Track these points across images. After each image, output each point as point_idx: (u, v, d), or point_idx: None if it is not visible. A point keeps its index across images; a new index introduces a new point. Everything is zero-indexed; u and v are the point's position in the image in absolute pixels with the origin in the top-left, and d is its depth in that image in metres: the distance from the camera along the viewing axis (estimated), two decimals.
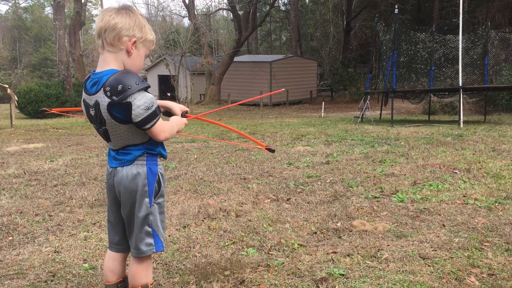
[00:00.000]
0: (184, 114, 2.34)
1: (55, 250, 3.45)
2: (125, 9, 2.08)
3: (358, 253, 3.23)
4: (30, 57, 52.86)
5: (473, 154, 6.92)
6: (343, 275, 2.90)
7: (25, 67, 51.16)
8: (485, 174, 5.53)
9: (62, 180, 5.85)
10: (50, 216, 4.30)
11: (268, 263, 3.12)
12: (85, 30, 48.05)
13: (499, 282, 2.74)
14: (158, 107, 2.08)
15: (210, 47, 38.53)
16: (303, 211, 4.29)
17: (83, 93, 2.14)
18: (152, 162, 2.19)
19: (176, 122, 2.25)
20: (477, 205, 4.32)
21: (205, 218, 4.14)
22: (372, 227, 3.80)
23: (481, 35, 14.16)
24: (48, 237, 3.73)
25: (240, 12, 31.14)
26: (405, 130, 10.93)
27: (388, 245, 3.37)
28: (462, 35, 13.08)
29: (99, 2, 54.20)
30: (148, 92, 2.04)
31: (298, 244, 3.45)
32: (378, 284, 2.76)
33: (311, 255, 3.25)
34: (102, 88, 1.99)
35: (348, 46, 35.81)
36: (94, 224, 4.05)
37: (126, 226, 2.23)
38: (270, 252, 3.32)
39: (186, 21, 42.68)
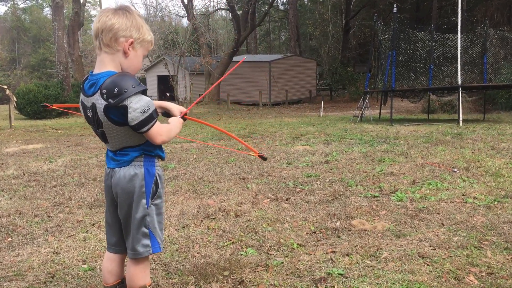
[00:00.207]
0: (183, 116, 2.34)
1: (54, 251, 3.45)
2: (122, 10, 2.07)
3: (357, 253, 3.23)
4: (29, 58, 52.83)
5: (472, 152, 6.92)
6: (342, 274, 2.90)
7: (24, 68, 51.13)
8: (484, 173, 5.53)
9: (61, 180, 5.84)
10: (49, 217, 4.29)
11: (267, 263, 3.12)
12: (84, 31, 48.03)
13: (498, 281, 2.74)
14: (155, 110, 2.06)
15: (209, 47, 38.56)
16: (302, 211, 4.29)
17: (81, 94, 2.13)
18: (149, 163, 2.18)
19: (174, 124, 2.23)
20: (476, 203, 4.32)
21: (204, 218, 4.14)
22: (371, 226, 3.80)
23: (480, 34, 14.17)
24: (47, 238, 3.73)
25: (239, 12, 31.15)
26: (404, 129, 10.93)
27: (387, 244, 3.37)
28: (461, 33, 13.09)
29: (98, 3, 54.23)
30: (145, 95, 2.03)
31: (297, 244, 3.45)
32: (377, 283, 2.76)
33: (310, 254, 3.25)
34: (99, 91, 1.98)
35: (347, 45, 35.82)
36: (93, 224, 4.05)
37: (123, 227, 2.23)
38: (269, 252, 3.32)
39: (185, 21, 42.69)
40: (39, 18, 58.23)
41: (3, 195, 5.15)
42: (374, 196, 4.70)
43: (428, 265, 2.99)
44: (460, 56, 12.94)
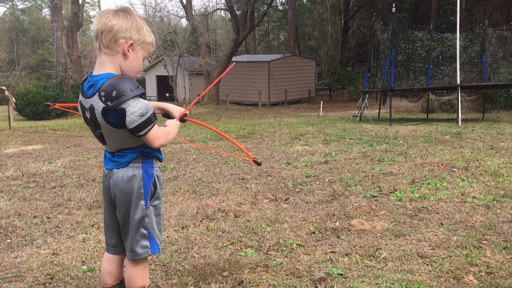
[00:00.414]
0: (183, 117, 2.33)
1: (54, 252, 3.45)
2: (123, 11, 2.06)
3: (356, 253, 3.23)
4: (28, 59, 52.78)
5: (471, 152, 6.92)
6: (341, 274, 2.90)
7: (23, 68, 51.10)
8: (483, 172, 5.53)
9: (61, 182, 5.84)
10: (48, 218, 4.29)
11: (267, 263, 3.12)
12: (82, 31, 47.99)
13: (497, 280, 2.74)
14: (154, 113, 2.05)
15: (208, 47, 38.57)
16: (302, 211, 4.29)
17: (80, 95, 2.13)
18: (148, 165, 2.18)
19: (172, 127, 2.21)
20: (475, 203, 4.32)
21: (203, 219, 4.13)
22: (371, 226, 3.80)
23: (479, 33, 14.17)
24: (47, 239, 3.72)
25: (238, 12, 31.14)
26: (403, 128, 10.94)
27: (386, 244, 3.37)
28: (460, 33, 13.09)
29: (97, 3, 54.20)
30: (143, 99, 2.03)
31: (297, 244, 3.45)
32: (377, 283, 2.76)
33: (310, 255, 3.25)
34: (97, 93, 1.98)
35: (346, 45, 35.82)
36: (93, 226, 4.05)
37: (122, 228, 2.23)
38: (268, 253, 3.32)
39: (184, 22, 42.68)
40: (38, 19, 58.18)
41: (2, 196, 5.15)
42: (373, 196, 4.70)
43: (427, 264, 2.99)
44: (459, 56, 12.94)
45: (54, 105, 2.86)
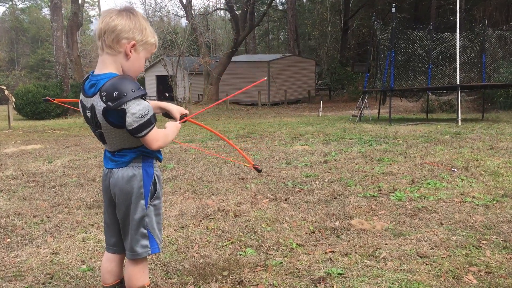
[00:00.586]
0: (183, 118, 2.33)
1: (53, 251, 3.45)
2: (126, 11, 2.05)
3: (356, 252, 3.23)
4: (27, 59, 52.78)
5: (471, 152, 6.93)
6: (341, 274, 2.90)
7: (23, 68, 51.09)
8: (483, 172, 5.53)
9: (60, 181, 5.84)
10: (48, 217, 4.29)
11: (266, 263, 3.12)
12: (82, 31, 47.98)
13: (497, 280, 2.75)
14: (154, 115, 2.05)
15: (208, 47, 38.55)
16: (301, 211, 4.30)
17: (81, 94, 2.12)
18: (148, 164, 2.18)
19: (171, 129, 2.21)
20: (475, 203, 4.32)
21: (203, 219, 4.14)
22: (370, 226, 3.80)
23: (479, 33, 14.18)
24: (46, 239, 3.73)
25: (238, 12, 31.12)
26: (403, 128, 10.94)
27: (386, 244, 3.37)
28: (460, 33, 13.09)
29: (96, 3, 54.17)
30: (144, 100, 2.03)
31: (296, 244, 3.45)
32: (376, 283, 2.76)
33: (309, 254, 3.26)
34: (98, 92, 1.97)
35: (346, 45, 35.82)
36: (92, 225, 4.05)
37: (121, 227, 2.23)
38: (268, 252, 3.32)
39: (184, 21, 42.67)
40: (37, 19, 58.17)
41: (2, 196, 5.15)
42: (373, 196, 4.70)
43: (427, 264, 2.99)
44: (459, 56, 12.95)
45: (54, 100, 2.85)
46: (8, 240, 3.73)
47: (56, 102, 2.89)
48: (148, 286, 2.28)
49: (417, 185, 5.06)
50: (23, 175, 6.24)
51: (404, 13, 28.99)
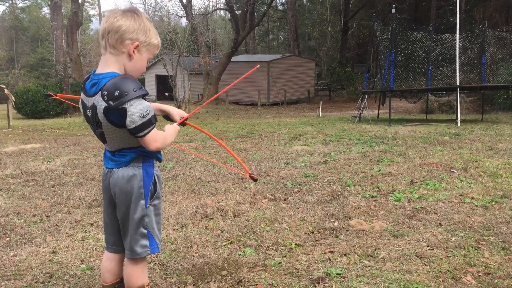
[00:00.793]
0: (183, 121, 2.33)
1: (53, 250, 3.45)
2: (131, 12, 2.06)
3: (355, 253, 3.24)
4: (27, 58, 52.74)
5: (470, 153, 6.93)
6: (340, 274, 2.90)
7: (23, 67, 51.04)
8: (482, 173, 5.54)
9: (60, 180, 5.84)
10: (47, 216, 4.30)
11: (265, 262, 3.13)
12: (82, 30, 47.97)
13: (495, 281, 2.75)
14: (154, 116, 2.05)
15: (208, 47, 38.55)
16: (301, 211, 4.30)
17: (82, 93, 2.13)
18: (148, 164, 2.18)
19: (170, 132, 2.21)
20: (473, 204, 4.33)
21: (202, 218, 4.14)
22: (369, 226, 3.81)
23: (478, 34, 14.19)
24: (46, 238, 3.73)
25: (238, 12, 31.12)
26: (402, 129, 10.95)
27: (385, 244, 3.38)
28: (459, 34, 13.11)
29: (97, 2, 54.14)
30: (145, 100, 2.03)
31: (295, 244, 3.46)
32: (375, 283, 2.76)
33: (308, 254, 3.26)
34: (100, 92, 1.98)
35: (346, 46, 35.83)
36: (92, 224, 4.05)
37: (121, 227, 2.23)
38: (267, 252, 3.33)
39: (184, 21, 42.67)
40: (37, 18, 58.11)
41: (2, 195, 5.15)
42: (372, 196, 4.71)
43: (425, 265, 3.00)
44: (459, 57, 12.96)
45: (56, 95, 2.84)
46: (8, 239, 3.73)
47: (57, 97, 2.89)
48: (147, 286, 2.28)
49: (416, 186, 5.06)
50: (22, 174, 6.24)
51: (404, 14, 29.00)
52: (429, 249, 3.25)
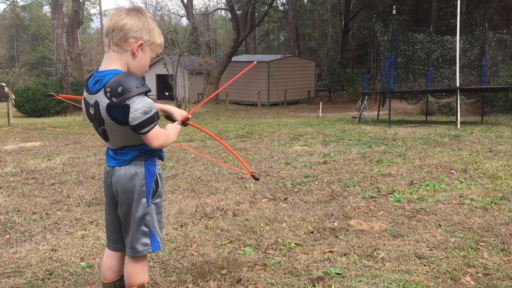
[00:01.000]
0: (185, 121, 2.34)
1: (52, 248, 3.46)
2: (136, 11, 2.07)
3: (354, 253, 3.24)
4: (27, 56, 52.71)
5: (470, 154, 6.94)
6: (339, 274, 2.91)
7: (23, 65, 51.01)
8: (481, 175, 5.55)
9: (60, 178, 5.85)
10: (47, 214, 4.30)
11: (265, 262, 3.13)
12: (83, 29, 47.95)
13: (494, 282, 2.76)
14: (157, 113, 2.05)
15: (208, 46, 38.57)
16: (300, 211, 4.31)
17: (84, 91, 2.13)
18: (150, 163, 2.19)
19: (172, 131, 2.21)
20: (473, 205, 4.34)
21: (202, 217, 4.15)
22: (369, 226, 3.81)
23: (479, 36, 14.19)
24: (45, 236, 3.73)
25: (239, 12, 31.14)
26: (402, 130, 10.96)
27: (384, 245, 3.39)
28: (460, 36, 13.11)
29: (97, 1, 54.14)
30: (148, 97, 2.04)
31: (295, 243, 3.46)
32: (374, 283, 2.77)
33: (308, 254, 3.27)
34: (102, 88, 1.99)
35: (346, 47, 35.85)
36: (92, 222, 4.06)
37: (123, 225, 2.23)
38: (267, 251, 3.34)
39: (184, 21, 42.69)
40: (38, 16, 58.08)
41: (1, 193, 5.15)
42: (372, 197, 4.71)
43: (425, 265, 3.00)
44: (459, 58, 12.97)
45: (58, 95, 2.85)
46: (8, 236, 3.74)
47: (60, 97, 2.90)
48: (147, 284, 2.28)
49: (415, 187, 5.07)
50: (22, 172, 6.25)
51: (404, 15, 29.00)
52: (428, 250, 3.26)
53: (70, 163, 6.93)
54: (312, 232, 3.74)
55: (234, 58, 28.90)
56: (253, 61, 3.16)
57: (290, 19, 35.63)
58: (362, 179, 5.52)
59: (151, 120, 2.01)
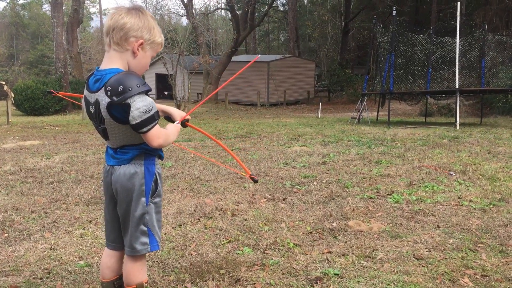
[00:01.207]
0: (184, 123, 2.34)
1: (51, 247, 3.45)
2: (136, 10, 2.07)
3: (353, 253, 3.25)
4: (27, 54, 52.68)
5: (469, 156, 6.95)
6: (337, 274, 2.91)
7: (22, 64, 50.98)
8: (480, 176, 5.56)
9: (58, 177, 5.84)
10: (46, 213, 4.30)
11: (264, 262, 3.13)
12: (82, 28, 47.92)
13: (493, 283, 2.76)
14: (157, 112, 2.06)
15: (208, 46, 38.56)
16: (299, 211, 4.31)
17: (85, 90, 2.14)
18: (149, 162, 2.19)
19: (172, 131, 2.21)
20: (471, 206, 4.34)
21: (201, 217, 4.15)
22: (367, 227, 3.82)
23: (478, 38, 14.21)
24: (44, 234, 3.73)
25: (239, 12, 31.14)
26: (401, 131, 10.96)
27: (383, 246, 3.39)
28: (460, 37, 13.13)
29: (97, 0, 54.12)
30: (148, 96, 2.04)
31: (294, 244, 3.47)
32: (373, 284, 2.77)
33: (306, 254, 3.27)
34: (103, 87, 1.99)
35: (346, 47, 35.87)
36: (90, 221, 4.06)
37: (122, 224, 2.23)
38: (265, 251, 3.34)
39: (184, 20, 42.66)
40: (38, 15, 58.04)
41: (0, 191, 5.15)
42: (371, 198, 4.72)
43: (423, 266, 3.01)
44: (458, 60, 12.98)
45: (58, 93, 2.85)
46: (6, 235, 3.74)
47: (59, 95, 2.90)
48: (145, 283, 2.29)
49: (414, 188, 5.08)
50: (21, 171, 6.24)
51: (404, 16, 29.02)
52: (426, 251, 3.26)
53: (69, 162, 6.92)
54: (311, 232, 3.74)
55: (234, 58, 28.90)
56: (257, 61, 3.17)
57: (290, 19, 35.65)
58: (361, 179, 5.53)
59: (152, 119, 2.01)
